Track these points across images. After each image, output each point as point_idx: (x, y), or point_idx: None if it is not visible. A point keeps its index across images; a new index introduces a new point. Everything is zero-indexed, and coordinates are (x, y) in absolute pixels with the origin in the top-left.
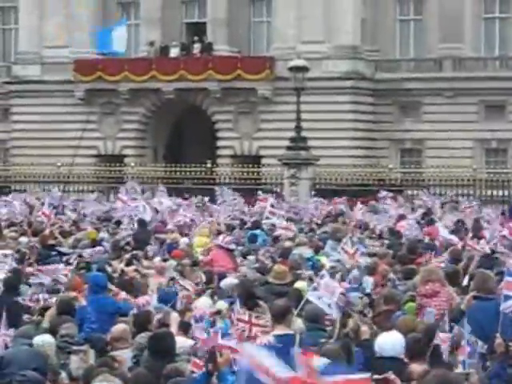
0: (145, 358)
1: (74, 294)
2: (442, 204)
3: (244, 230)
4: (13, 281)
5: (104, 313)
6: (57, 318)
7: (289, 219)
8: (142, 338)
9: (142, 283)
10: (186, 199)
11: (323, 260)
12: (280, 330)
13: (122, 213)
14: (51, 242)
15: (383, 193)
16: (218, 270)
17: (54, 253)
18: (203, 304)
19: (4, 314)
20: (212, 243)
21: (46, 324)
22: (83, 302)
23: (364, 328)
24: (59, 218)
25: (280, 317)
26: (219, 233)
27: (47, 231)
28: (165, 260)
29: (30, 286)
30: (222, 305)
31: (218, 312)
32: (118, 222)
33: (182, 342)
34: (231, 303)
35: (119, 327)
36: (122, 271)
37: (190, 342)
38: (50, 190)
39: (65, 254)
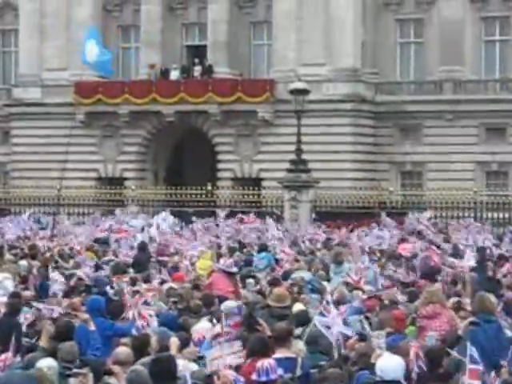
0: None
1: (86, 316)
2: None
3: (245, 253)
4: (14, 304)
5: (102, 336)
6: (56, 341)
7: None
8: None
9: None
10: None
11: (325, 284)
12: (281, 353)
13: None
14: (54, 264)
15: (385, 217)
16: (217, 294)
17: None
18: (203, 327)
19: (10, 338)
20: (213, 266)
21: (44, 346)
22: (92, 327)
23: (377, 352)
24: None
25: (282, 339)
26: (220, 256)
27: (48, 254)
28: (162, 283)
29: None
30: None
31: (218, 335)
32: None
33: (183, 366)
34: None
35: (123, 351)
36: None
37: (192, 366)
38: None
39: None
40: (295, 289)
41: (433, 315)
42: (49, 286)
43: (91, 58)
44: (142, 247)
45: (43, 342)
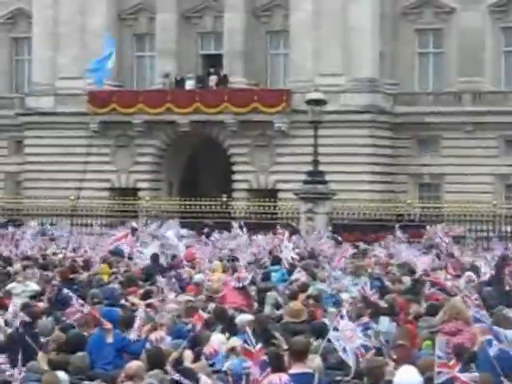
0: None
1: (109, 326)
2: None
3: (260, 266)
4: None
5: (115, 349)
6: (67, 352)
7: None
8: (153, 375)
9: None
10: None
11: (344, 296)
12: (298, 368)
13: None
14: (71, 276)
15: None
16: (230, 307)
17: (74, 287)
18: (217, 341)
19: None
20: (226, 279)
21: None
22: (110, 339)
23: (390, 368)
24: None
25: (299, 354)
26: (235, 269)
27: (66, 265)
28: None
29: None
30: (236, 341)
31: (232, 349)
32: (130, 257)
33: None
34: (245, 340)
35: (134, 365)
36: (133, 305)
37: (207, 381)
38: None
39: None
40: (311, 301)
41: (455, 332)
42: (66, 297)
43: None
44: (155, 259)
45: (51, 354)
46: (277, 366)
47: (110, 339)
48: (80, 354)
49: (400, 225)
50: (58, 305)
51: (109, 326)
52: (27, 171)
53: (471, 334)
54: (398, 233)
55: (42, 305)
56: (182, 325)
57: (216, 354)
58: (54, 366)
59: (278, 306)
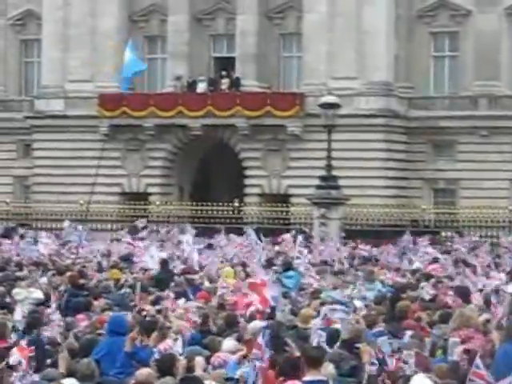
0: None
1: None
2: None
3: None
4: (34, 322)
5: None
6: (79, 357)
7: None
8: (164, 383)
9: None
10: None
11: (357, 303)
12: (312, 376)
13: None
14: (81, 281)
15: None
16: (242, 313)
17: (85, 292)
18: (229, 347)
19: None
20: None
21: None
22: (128, 348)
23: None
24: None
25: (313, 362)
26: (247, 275)
27: (75, 271)
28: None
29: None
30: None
31: (244, 356)
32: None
33: None
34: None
35: (144, 372)
36: (142, 310)
37: None
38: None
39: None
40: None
41: (465, 339)
42: (76, 303)
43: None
44: (164, 264)
45: (61, 368)
46: (292, 373)
47: (128, 348)
48: (85, 360)
49: (414, 230)
50: (67, 311)
51: (132, 334)
52: (36, 175)
53: (482, 341)
54: (407, 237)
55: (49, 311)
56: (196, 332)
57: (224, 363)
58: (67, 373)
59: (293, 313)
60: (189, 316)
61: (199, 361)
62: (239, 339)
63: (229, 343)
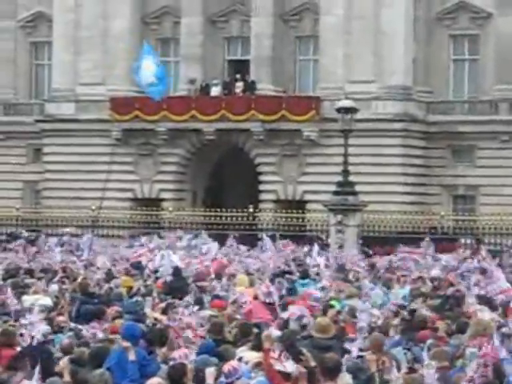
0: None
1: (128, 344)
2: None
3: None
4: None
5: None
6: (89, 367)
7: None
8: None
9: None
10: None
11: (375, 312)
12: None
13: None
14: (91, 289)
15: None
16: (257, 321)
17: (95, 300)
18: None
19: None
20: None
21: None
22: (133, 356)
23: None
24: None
25: (332, 372)
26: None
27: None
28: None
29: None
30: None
31: (259, 364)
32: (155, 270)
33: None
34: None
35: (155, 381)
36: (156, 319)
37: None
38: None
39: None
40: (341, 317)
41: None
42: (87, 310)
43: (146, 78)
44: (177, 272)
45: (66, 377)
46: (308, 383)
47: (132, 357)
48: (98, 371)
49: (433, 238)
50: (79, 319)
51: (126, 344)
52: (46, 180)
53: (496, 349)
54: (425, 244)
55: (61, 319)
56: (209, 340)
57: (235, 372)
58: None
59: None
60: (194, 326)
61: (210, 371)
62: (253, 348)
63: (246, 352)
